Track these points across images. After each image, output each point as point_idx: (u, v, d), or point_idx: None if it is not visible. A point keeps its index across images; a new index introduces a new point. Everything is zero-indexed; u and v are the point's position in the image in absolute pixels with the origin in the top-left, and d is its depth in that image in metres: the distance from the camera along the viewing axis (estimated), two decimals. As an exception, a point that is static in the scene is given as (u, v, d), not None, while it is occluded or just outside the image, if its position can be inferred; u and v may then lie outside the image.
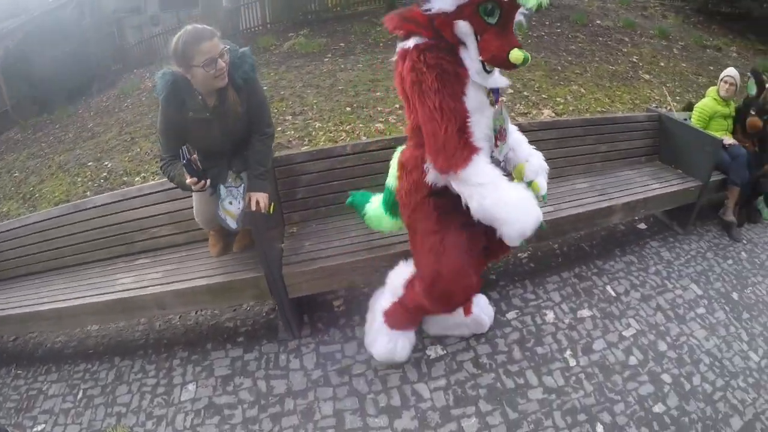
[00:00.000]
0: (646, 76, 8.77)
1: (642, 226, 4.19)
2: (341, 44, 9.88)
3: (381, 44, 9.74)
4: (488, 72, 1.86)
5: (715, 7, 13.77)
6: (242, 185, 2.49)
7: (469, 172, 1.83)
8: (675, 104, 6.69)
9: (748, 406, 2.61)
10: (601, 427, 2.37)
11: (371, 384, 2.54)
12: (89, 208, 3.05)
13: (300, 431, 2.35)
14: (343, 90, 7.28)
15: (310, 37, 10.45)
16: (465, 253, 2.04)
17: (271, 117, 2.60)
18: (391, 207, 2.31)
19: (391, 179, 2.27)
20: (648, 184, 3.67)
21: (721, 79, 4.29)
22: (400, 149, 2.25)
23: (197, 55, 2.09)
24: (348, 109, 6.53)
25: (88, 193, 5.71)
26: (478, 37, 1.77)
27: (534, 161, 2.17)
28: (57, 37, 12.14)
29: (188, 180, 2.20)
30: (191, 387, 2.68)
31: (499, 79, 1.93)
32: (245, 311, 3.20)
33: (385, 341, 2.43)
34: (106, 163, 6.49)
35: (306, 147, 5.31)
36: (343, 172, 2.99)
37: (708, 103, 4.32)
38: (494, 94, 1.93)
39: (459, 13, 1.74)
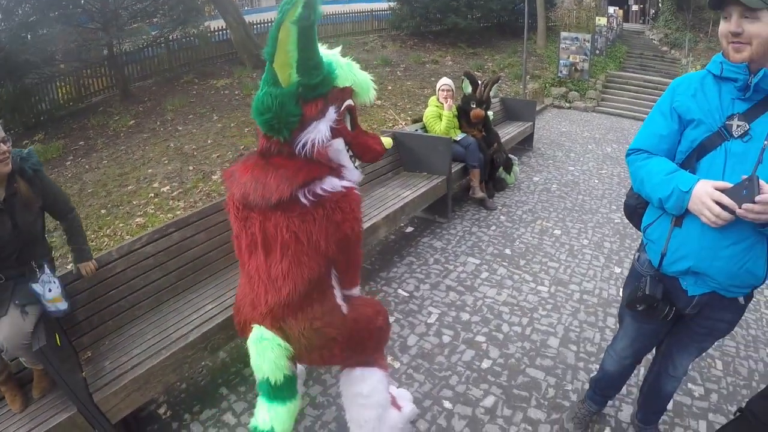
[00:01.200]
0: (378, 102, 9.82)
1: (410, 229, 4.73)
2: (81, 142, 9.43)
3: (122, 134, 9.52)
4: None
5: (426, 28, 16.18)
6: (44, 268, 2.38)
7: None
8: (405, 120, 7.68)
9: (556, 326, 3.20)
10: (447, 402, 2.66)
11: None
12: None
13: None
14: (93, 192, 7.02)
15: (46, 142, 9.69)
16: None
17: (68, 204, 2.57)
18: (290, 387, 2.07)
19: (274, 370, 1.97)
20: (400, 194, 4.19)
21: (439, 89, 5.12)
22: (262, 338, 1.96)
23: None
24: (103, 211, 6.32)
25: None
26: (349, 147, 1.92)
27: None
28: None
29: None
30: None
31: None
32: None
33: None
34: None
35: (68, 264, 5.02)
36: (116, 279, 2.88)
37: (432, 110, 5.12)
38: None
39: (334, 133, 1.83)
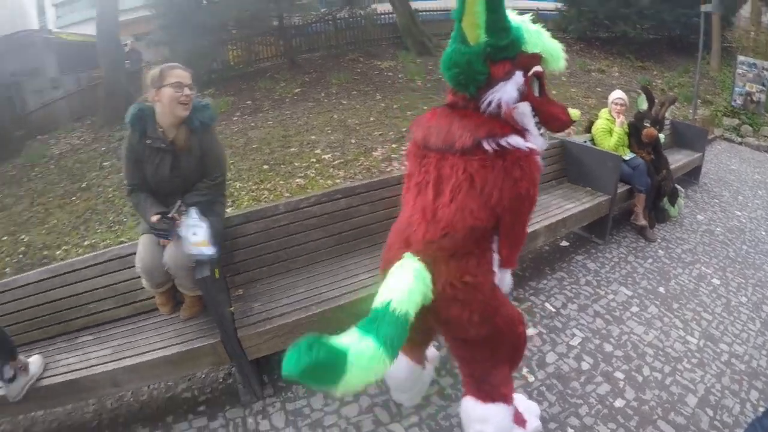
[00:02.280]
0: None
1: (565, 243, 4.52)
2: (248, 102, 10.00)
3: (287, 100, 9.92)
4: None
5: (594, 34, 15.08)
6: (193, 211, 2.51)
7: None
8: (572, 129, 7.23)
9: (698, 383, 2.91)
10: (572, 430, 2.54)
11: None
12: (18, 287, 2.86)
13: None
14: (258, 148, 7.38)
15: (216, 96, 10.45)
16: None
17: (224, 168, 2.73)
18: (391, 333, 1.58)
19: (404, 297, 1.68)
20: (563, 205, 4.00)
21: (612, 102, 4.75)
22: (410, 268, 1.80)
23: (170, 77, 2.40)
24: (266, 167, 6.62)
25: (8, 269, 5.36)
26: (535, 113, 1.91)
27: None
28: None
29: (153, 218, 2.41)
30: None
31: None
32: (200, 380, 3.09)
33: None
34: (22, 236, 6.11)
35: (231, 208, 5.33)
36: (279, 231, 3.04)
37: (603, 123, 4.77)
38: None
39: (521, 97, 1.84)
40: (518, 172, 1.78)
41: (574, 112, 2.03)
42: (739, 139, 10.64)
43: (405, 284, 1.71)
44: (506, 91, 1.79)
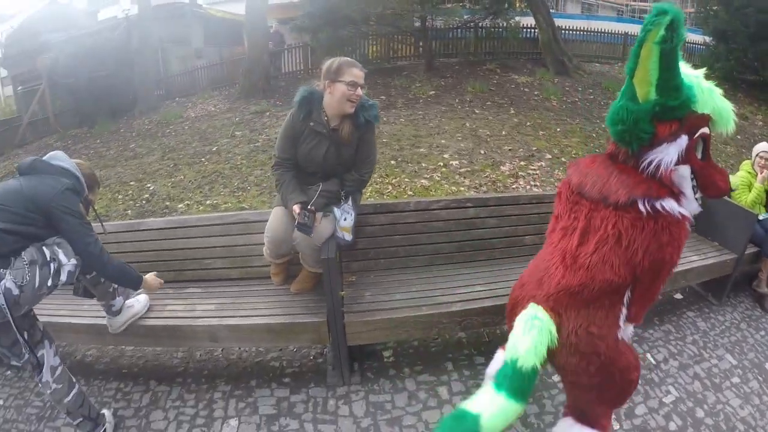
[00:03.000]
0: None
1: (678, 296, 4.27)
2: (382, 97, 10.22)
3: (421, 101, 10.02)
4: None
5: (741, 75, 13.84)
6: (349, 198, 2.74)
7: None
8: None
9: None
10: None
11: None
12: (143, 230, 3.13)
13: None
14: (387, 143, 7.52)
15: None
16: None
17: (373, 167, 2.89)
18: (523, 384, 1.79)
19: (530, 353, 1.81)
20: (687, 256, 3.74)
21: (757, 155, 4.40)
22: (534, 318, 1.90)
23: (347, 74, 2.53)
24: (393, 162, 6.76)
25: (129, 212, 5.83)
26: (694, 177, 1.88)
27: None
28: (104, 55, 12.60)
29: (295, 207, 2.55)
30: (233, 422, 2.64)
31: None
32: (292, 352, 3.23)
33: None
34: (149, 185, 6.63)
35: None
36: (405, 228, 3.13)
37: (743, 176, 4.42)
38: None
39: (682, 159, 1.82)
40: (666, 237, 1.79)
41: (734, 181, 1.99)
42: None
43: (530, 340, 1.82)
44: (668, 153, 1.78)
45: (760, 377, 3.38)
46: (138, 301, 2.73)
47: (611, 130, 1.88)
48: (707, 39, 14.89)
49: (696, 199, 1.90)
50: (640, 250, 1.78)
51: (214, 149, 8.05)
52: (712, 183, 1.91)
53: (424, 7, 12.32)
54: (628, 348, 2.04)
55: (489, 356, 3.06)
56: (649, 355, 3.37)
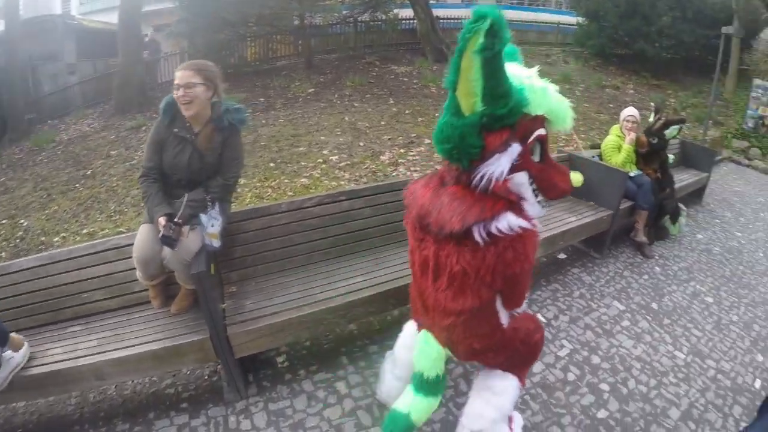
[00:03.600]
0: None
1: (562, 256, 4.51)
2: (261, 99, 10.08)
3: (301, 99, 9.97)
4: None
5: (612, 50, 14.97)
6: (216, 204, 2.65)
7: None
8: (582, 143, 7.26)
9: (682, 397, 2.91)
10: None
11: None
12: (14, 272, 2.83)
13: None
14: (266, 146, 7.43)
15: (229, 92, 10.47)
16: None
17: (240, 171, 2.84)
18: (437, 384, 2.18)
19: (431, 368, 2.15)
20: (564, 219, 3.98)
21: (624, 119, 4.74)
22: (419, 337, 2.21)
23: (175, 77, 2.50)
24: (272, 164, 6.67)
25: (2, 254, 5.38)
26: (533, 180, 1.80)
27: None
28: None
29: (161, 219, 2.44)
30: None
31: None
32: (185, 376, 3.08)
33: None
34: (22, 221, 6.13)
35: (234, 205, 5.35)
36: (279, 230, 3.05)
37: (612, 139, 4.75)
38: None
39: (515, 166, 1.73)
40: (511, 254, 1.72)
41: (576, 178, 1.98)
42: (747, 162, 10.55)
43: (427, 360, 2.14)
44: (500, 165, 1.68)
45: (648, 317, 3.68)
46: (18, 353, 2.48)
47: (438, 149, 1.77)
48: (580, 19, 15.95)
49: (539, 202, 1.85)
50: (489, 275, 1.75)
51: (89, 173, 7.55)
52: (551, 185, 1.85)
53: (302, 4, 12.21)
54: (522, 320, 2.12)
55: (383, 343, 3.11)
56: (539, 315, 3.51)
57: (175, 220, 2.47)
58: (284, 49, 13.84)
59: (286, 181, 6.08)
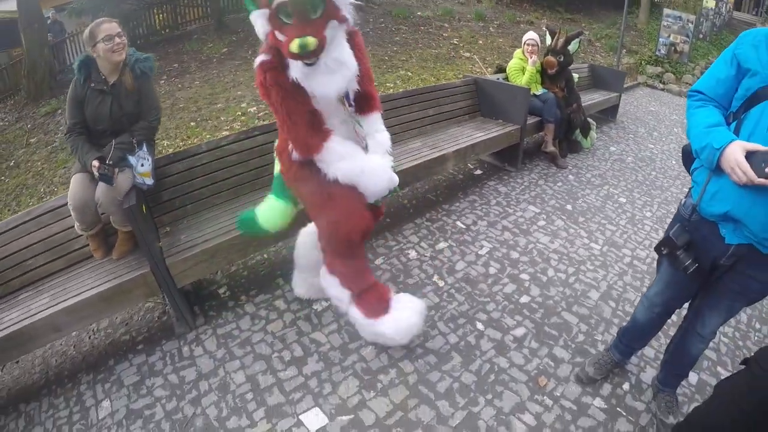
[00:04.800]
0: (467, 54, 9.85)
1: (478, 171, 4.84)
2: (175, 65, 9.94)
3: (215, 60, 9.89)
4: (310, 66, 2.04)
5: None
6: (143, 145, 2.81)
7: (323, 155, 2.24)
8: (488, 69, 7.60)
9: (600, 281, 3.24)
10: (480, 323, 2.83)
11: (272, 345, 2.77)
12: None
13: (221, 404, 2.49)
14: (184, 107, 7.47)
15: None
16: (352, 198, 2.34)
17: (159, 112, 3.02)
18: (282, 190, 2.58)
19: (276, 166, 2.58)
20: (473, 135, 4.29)
21: (525, 43, 5.05)
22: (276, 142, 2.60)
23: (99, 33, 2.66)
24: (192, 123, 6.75)
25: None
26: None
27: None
28: None
29: (94, 162, 2.62)
30: (105, 404, 2.66)
31: (329, 81, 2.08)
32: (137, 322, 3.25)
33: (389, 330, 2.53)
34: None
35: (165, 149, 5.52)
36: (202, 169, 3.20)
37: (516, 62, 5.07)
38: (346, 98, 2.29)
39: (272, 25, 2.00)
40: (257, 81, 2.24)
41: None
42: (662, 86, 11.18)
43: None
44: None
45: (563, 216, 4.03)
46: None
47: None
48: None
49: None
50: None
51: (12, 164, 7.43)
52: (283, 45, 2.06)
53: (206, -37, 11.83)
54: (343, 203, 2.34)
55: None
56: (459, 222, 3.83)
57: (107, 162, 2.65)
58: (193, 13, 13.38)
59: (207, 136, 6.19)
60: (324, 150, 2.23)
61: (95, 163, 2.62)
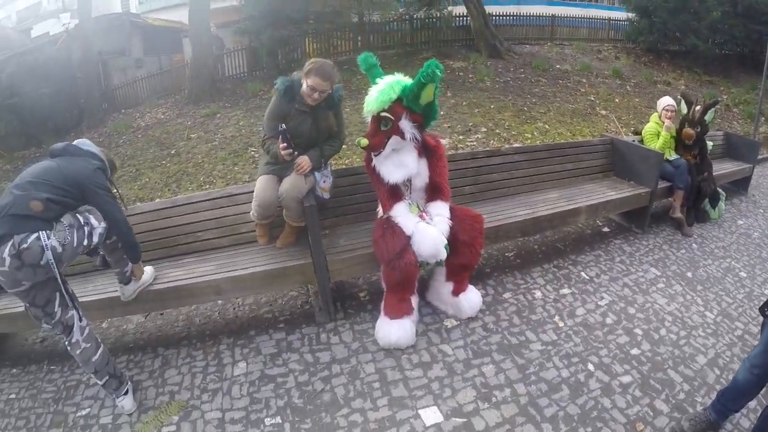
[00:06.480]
0: (603, 112, 9.87)
1: (606, 229, 4.98)
2: None
3: (363, 92, 10.35)
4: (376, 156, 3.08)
5: (664, 46, 15.03)
6: (328, 166, 3.41)
7: (392, 212, 3.07)
8: (624, 129, 7.60)
9: (709, 348, 3.27)
10: (591, 365, 3.00)
11: (404, 348, 3.08)
12: (139, 213, 3.41)
13: (349, 387, 2.82)
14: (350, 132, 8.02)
15: None
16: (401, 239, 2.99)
17: (344, 134, 3.55)
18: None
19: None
20: (606, 192, 4.49)
21: (663, 108, 5.12)
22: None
23: (309, 79, 3.08)
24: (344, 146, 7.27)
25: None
26: None
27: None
28: (46, 72, 12.32)
29: (281, 147, 3.05)
30: (242, 364, 3.03)
31: (392, 171, 3.04)
32: (281, 305, 3.68)
33: (385, 330, 3.09)
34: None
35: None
36: (364, 186, 3.64)
37: (652, 126, 5.17)
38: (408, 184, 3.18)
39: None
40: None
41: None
42: (798, 160, 10.44)
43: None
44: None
45: (682, 282, 4.07)
46: (145, 272, 3.05)
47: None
48: (631, 15, 15.95)
49: None
50: None
51: (173, 152, 8.32)
52: None
53: (360, 2, 12.92)
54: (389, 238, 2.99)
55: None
56: (583, 273, 4.02)
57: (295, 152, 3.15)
58: (344, 45, 14.45)
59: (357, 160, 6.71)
60: (392, 209, 3.08)
61: (282, 144, 3.07)
